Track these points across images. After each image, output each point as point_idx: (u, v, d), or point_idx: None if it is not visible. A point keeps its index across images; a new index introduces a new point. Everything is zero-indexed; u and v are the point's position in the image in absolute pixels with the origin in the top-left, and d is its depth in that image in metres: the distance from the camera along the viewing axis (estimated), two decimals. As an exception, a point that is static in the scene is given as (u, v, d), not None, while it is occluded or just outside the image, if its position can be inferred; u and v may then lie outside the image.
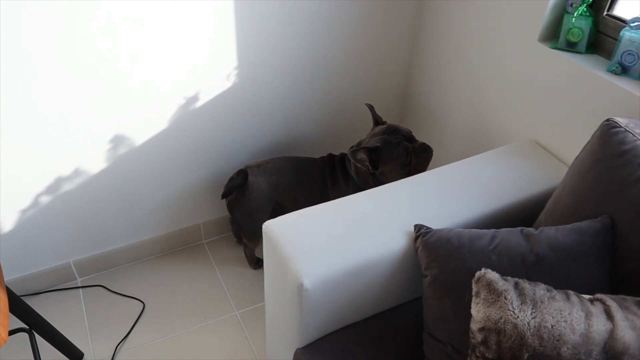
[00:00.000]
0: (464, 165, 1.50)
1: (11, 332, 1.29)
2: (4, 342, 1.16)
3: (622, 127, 1.16)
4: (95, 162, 1.70)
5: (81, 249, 1.89)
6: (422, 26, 1.95)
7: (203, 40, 1.62)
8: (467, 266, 1.16)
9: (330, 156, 1.83)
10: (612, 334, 0.93)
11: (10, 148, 1.54)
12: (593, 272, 1.11)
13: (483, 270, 1.02)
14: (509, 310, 0.97)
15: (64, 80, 1.49)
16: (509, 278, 1.01)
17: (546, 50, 1.48)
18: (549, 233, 1.16)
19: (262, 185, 1.76)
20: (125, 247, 1.97)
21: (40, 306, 1.86)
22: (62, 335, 1.60)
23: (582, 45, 1.44)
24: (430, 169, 1.67)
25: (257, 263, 2.02)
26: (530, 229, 1.19)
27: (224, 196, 1.79)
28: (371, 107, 1.75)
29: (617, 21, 1.39)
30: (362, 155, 1.62)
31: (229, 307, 1.89)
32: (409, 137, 1.66)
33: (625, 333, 0.93)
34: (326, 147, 2.10)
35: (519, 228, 1.21)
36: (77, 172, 1.69)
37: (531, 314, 0.96)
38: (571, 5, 1.42)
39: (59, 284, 1.93)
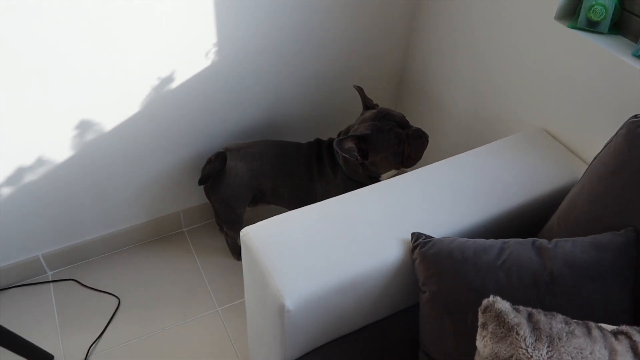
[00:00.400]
0: (466, 158, 1.35)
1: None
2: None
3: (653, 127, 1.01)
4: (60, 149, 1.54)
5: (51, 240, 1.75)
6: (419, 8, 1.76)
7: (177, 15, 1.44)
8: (471, 284, 1.02)
9: (318, 142, 1.67)
10: (640, 379, 0.80)
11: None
12: (615, 294, 0.98)
13: (492, 298, 0.89)
14: (521, 348, 0.83)
15: (17, 56, 1.31)
16: (521, 308, 0.87)
17: (563, 30, 1.31)
18: (564, 247, 1.02)
19: (241, 171, 1.61)
20: (99, 237, 1.83)
21: (7, 303, 1.72)
22: (25, 340, 1.46)
23: (605, 24, 1.27)
24: (426, 159, 1.53)
25: (239, 253, 1.88)
26: (543, 241, 1.05)
27: (201, 182, 1.64)
28: (360, 90, 1.58)
29: (647, -2, 1.22)
30: (349, 144, 1.46)
31: (210, 302, 1.76)
32: (402, 123, 1.50)
33: (656, 378, 0.80)
34: (314, 131, 1.94)
35: (530, 239, 1.07)
36: (40, 161, 1.53)
37: (547, 353, 0.83)
38: (594, -22, 1.25)
39: (28, 279, 1.79)
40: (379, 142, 1.46)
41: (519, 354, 0.84)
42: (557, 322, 0.86)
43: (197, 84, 1.62)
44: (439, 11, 1.70)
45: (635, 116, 1.04)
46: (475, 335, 0.88)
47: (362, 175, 1.56)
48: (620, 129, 1.06)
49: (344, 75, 1.87)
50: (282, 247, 1.09)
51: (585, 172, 1.14)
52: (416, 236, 1.11)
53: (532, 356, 0.83)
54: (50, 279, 1.80)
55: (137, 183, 1.75)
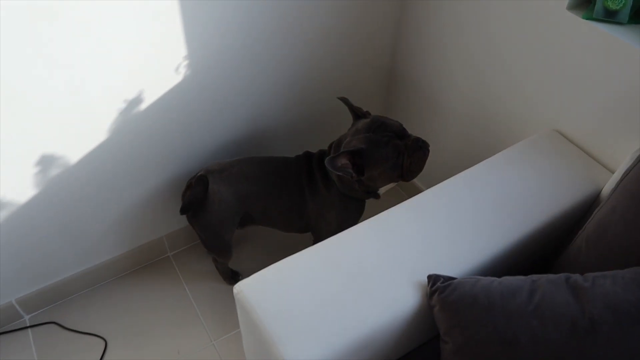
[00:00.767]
0: (476, 175, 1.21)
1: None
2: None
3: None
4: (22, 189, 1.37)
5: (25, 283, 1.59)
6: (410, -16, 1.59)
7: (140, 29, 1.26)
8: (501, 335, 0.90)
9: (307, 155, 1.52)
10: None
11: None
12: (666, 340, 0.86)
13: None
14: None
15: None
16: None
17: (577, 21, 1.17)
18: (604, 286, 0.90)
19: (226, 195, 1.46)
20: (77, 274, 1.68)
21: (-17, 354, 1.58)
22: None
23: (624, 14, 1.12)
24: (426, 168, 1.39)
25: (232, 277, 1.75)
26: (578, 279, 0.93)
27: (182, 211, 1.49)
28: (345, 100, 1.43)
29: (672, -18, 1.08)
30: (343, 161, 1.31)
31: (204, 335, 1.63)
32: (399, 133, 1.35)
33: None
34: (302, 143, 1.77)
35: (562, 276, 0.94)
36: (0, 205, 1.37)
37: None
38: (611, -38, 1.10)
39: (3, 326, 1.64)
40: (376, 156, 1.32)
41: None
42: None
43: (169, 102, 1.45)
44: (431, 4, 1.54)
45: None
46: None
47: (359, 190, 1.42)
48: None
49: (331, 81, 1.71)
50: (283, 307, 0.95)
51: (615, 190, 1.02)
52: (433, 279, 0.99)
53: None
54: (28, 324, 1.65)
55: (112, 214, 1.60)
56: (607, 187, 1.16)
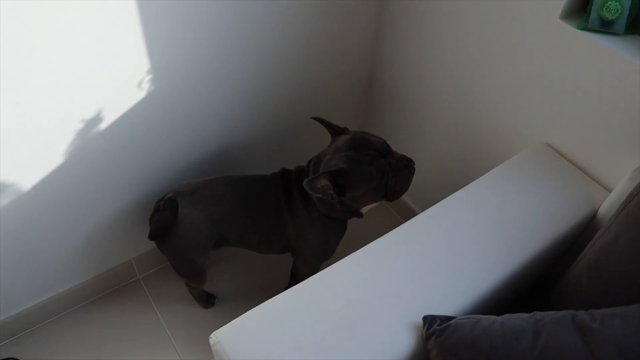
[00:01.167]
0: (467, 199, 1.13)
1: None
2: None
3: None
4: (-31, 221, 1.25)
5: (-21, 317, 1.47)
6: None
7: (94, 42, 1.14)
8: (505, 384, 0.83)
9: (284, 173, 1.42)
10: None
11: None
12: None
13: None
14: None
15: None
16: None
17: (571, 32, 1.09)
18: (614, 327, 0.83)
19: (197, 219, 1.35)
20: (38, 304, 1.55)
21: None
22: None
23: (621, 24, 1.06)
24: (413, 184, 1.30)
25: (207, 301, 1.65)
26: (585, 318, 0.86)
27: (151, 237, 1.38)
28: (320, 120, 1.33)
29: (671, -9, 1.01)
30: (322, 182, 1.21)
31: (179, 363, 1.53)
32: (382, 151, 1.25)
33: None
34: (278, 159, 1.65)
35: (568, 315, 0.88)
36: (-54, 238, 1.24)
37: None
38: (607, -31, 1.03)
39: (-43, 364, 1.51)
40: (358, 176, 1.23)
41: None
42: None
43: (132, 120, 1.33)
44: (412, 13, 1.45)
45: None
46: None
47: (341, 211, 1.33)
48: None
49: (307, 94, 1.61)
50: (264, 358, 0.86)
51: (617, 217, 0.95)
52: (429, 320, 0.91)
53: None
54: (-15, 361, 1.52)
55: (76, 239, 1.47)
56: (605, 207, 1.10)
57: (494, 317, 0.90)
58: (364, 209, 1.37)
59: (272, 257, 1.66)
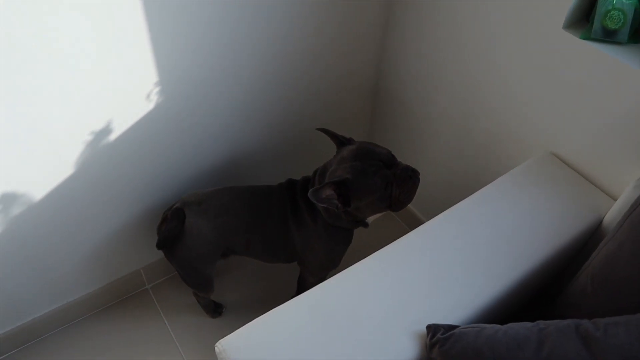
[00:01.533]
0: (471, 208, 1.14)
1: None
2: None
3: None
4: (-19, 230, 1.27)
5: (-9, 326, 1.49)
6: (395, 7, 1.52)
7: (104, 56, 1.16)
8: (509, 393, 0.83)
9: (290, 183, 1.43)
10: None
11: None
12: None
13: None
14: None
15: None
16: None
17: (574, 41, 1.10)
18: (617, 336, 0.83)
19: (205, 230, 1.36)
20: (49, 312, 1.57)
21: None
22: None
23: (624, 33, 1.06)
24: (418, 194, 1.31)
25: (216, 310, 1.66)
26: (589, 327, 0.86)
27: (159, 246, 1.39)
28: (326, 131, 1.34)
29: (674, 0, 1.01)
30: (327, 192, 1.22)
31: (188, 375, 1.54)
32: (387, 161, 1.26)
33: None
34: (285, 169, 1.67)
35: (572, 324, 0.87)
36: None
37: None
38: (609, -21, 1.03)
39: (-30, 372, 1.53)
40: (363, 186, 1.23)
41: None
42: None
43: (141, 131, 1.35)
44: (420, 21, 1.46)
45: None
46: None
47: (346, 220, 1.34)
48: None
49: (313, 103, 1.62)
50: (269, 367, 0.87)
51: (622, 225, 0.95)
52: (433, 329, 0.91)
53: None
54: (-4, 369, 1.55)
55: (84, 250, 1.49)
56: (610, 216, 1.10)
57: (497, 326, 0.90)
58: (370, 219, 1.37)
59: (280, 267, 1.66)
